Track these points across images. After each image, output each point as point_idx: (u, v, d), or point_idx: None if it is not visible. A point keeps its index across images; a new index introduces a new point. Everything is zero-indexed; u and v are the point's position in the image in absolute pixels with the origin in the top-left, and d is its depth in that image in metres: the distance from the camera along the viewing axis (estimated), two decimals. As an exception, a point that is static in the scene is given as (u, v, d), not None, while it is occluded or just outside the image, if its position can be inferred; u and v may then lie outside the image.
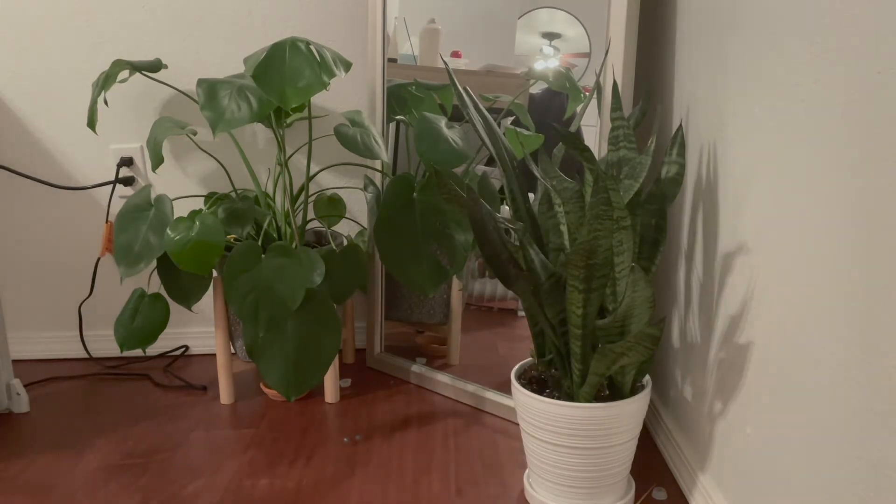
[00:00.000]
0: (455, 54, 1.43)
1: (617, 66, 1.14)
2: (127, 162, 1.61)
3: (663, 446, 1.25)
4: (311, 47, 1.22)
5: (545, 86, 1.30)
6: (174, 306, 1.43)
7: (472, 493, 1.15)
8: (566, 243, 1.07)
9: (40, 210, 1.65)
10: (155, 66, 1.45)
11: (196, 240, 1.27)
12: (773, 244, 0.85)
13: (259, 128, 1.60)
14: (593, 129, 1.23)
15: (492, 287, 1.45)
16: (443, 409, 1.42)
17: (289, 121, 1.51)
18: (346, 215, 1.58)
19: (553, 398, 1.04)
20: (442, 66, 1.43)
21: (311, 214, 1.59)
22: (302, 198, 1.45)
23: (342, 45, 1.54)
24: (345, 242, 1.43)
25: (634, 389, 1.07)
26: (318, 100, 1.57)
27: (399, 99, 1.48)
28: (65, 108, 1.59)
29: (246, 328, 1.26)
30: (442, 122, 1.37)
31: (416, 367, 1.53)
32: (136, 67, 1.40)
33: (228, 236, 1.36)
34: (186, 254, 1.27)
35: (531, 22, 1.34)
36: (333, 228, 1.53)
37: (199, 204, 1.60)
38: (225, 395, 1.47)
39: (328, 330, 1.29)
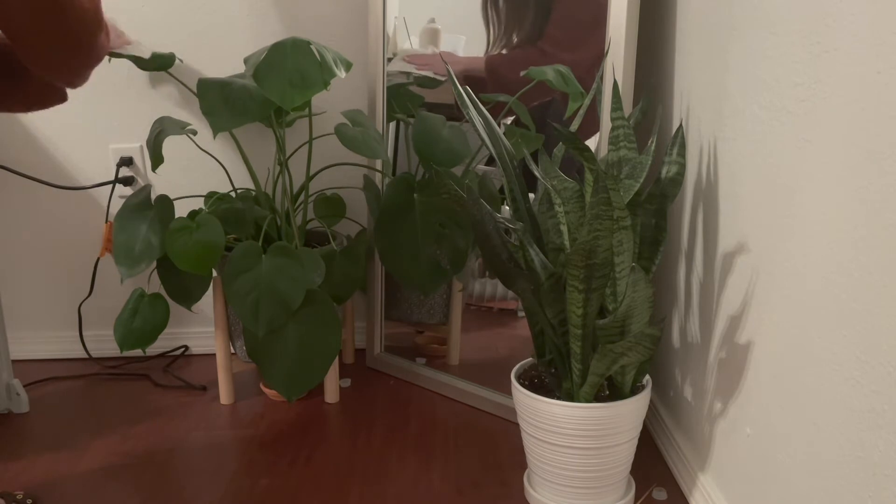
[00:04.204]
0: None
1: (617, 66, 1.14)
2: (127, 162, 1.61)
3: (663, 446, 1.25)
4: (312, 47, 1.22)
5: None
6: (174, 306, 1.43)
7: (472, 493, 1.15)
8: (566, 243, 1.07)
9: (40, 210, 1.65)
10: (169, 61, 1.49)
11: (196, 240, 1.27)
12: (773, 244, 0.85)
13: (259, 127, 1.60)
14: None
15: (492, 287, 1.45)
16: (443, 409, 1.42)
17: (289, 120, 1.51)
18: (346, 215, 1.58)
19: (553, 398, 1.04)
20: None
21: (311, 214, 1.59)
22: (302, 198, 1.45)
23: (342, 45, 1.54)
24: (345, 242, 1.43)
25: (634, 389, 1.07)
26: (319, 99, 1.57)
27: (399, 98, 1.48)
28: (65, 108, 1.59)
29: (246, 328, 1.26)
30: (441, 121, 1.37)
31: (416, 367, 1.53)
32: (150, 61, 1.43)
33: (228, 236, 1.36)
34: (186, 254, 1.27)
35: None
36: (333, 228, 1.53)
37: (199, 204, 1.59)
38: (225, 395, 1.47)
39: (328, 330, 1.29)
